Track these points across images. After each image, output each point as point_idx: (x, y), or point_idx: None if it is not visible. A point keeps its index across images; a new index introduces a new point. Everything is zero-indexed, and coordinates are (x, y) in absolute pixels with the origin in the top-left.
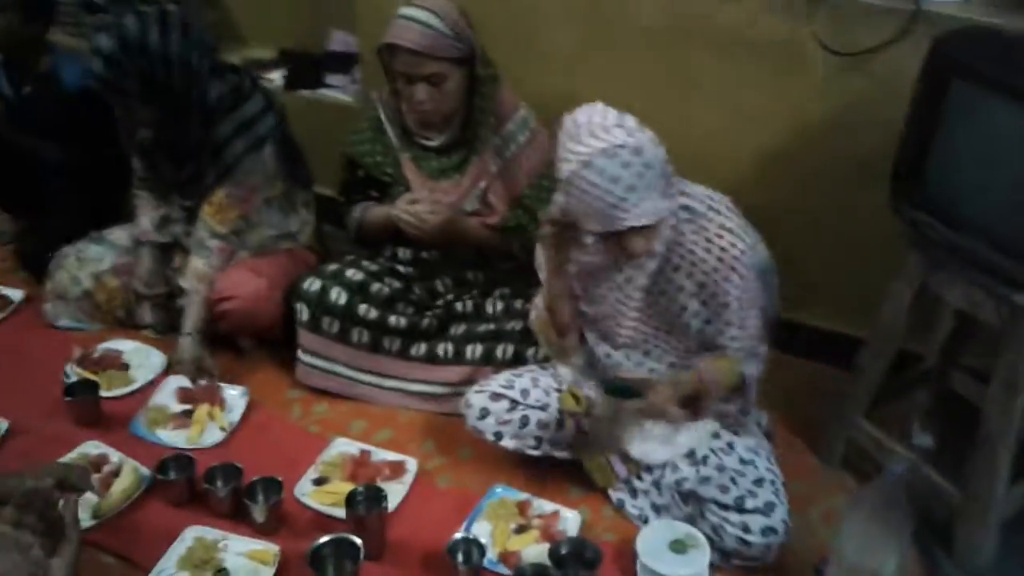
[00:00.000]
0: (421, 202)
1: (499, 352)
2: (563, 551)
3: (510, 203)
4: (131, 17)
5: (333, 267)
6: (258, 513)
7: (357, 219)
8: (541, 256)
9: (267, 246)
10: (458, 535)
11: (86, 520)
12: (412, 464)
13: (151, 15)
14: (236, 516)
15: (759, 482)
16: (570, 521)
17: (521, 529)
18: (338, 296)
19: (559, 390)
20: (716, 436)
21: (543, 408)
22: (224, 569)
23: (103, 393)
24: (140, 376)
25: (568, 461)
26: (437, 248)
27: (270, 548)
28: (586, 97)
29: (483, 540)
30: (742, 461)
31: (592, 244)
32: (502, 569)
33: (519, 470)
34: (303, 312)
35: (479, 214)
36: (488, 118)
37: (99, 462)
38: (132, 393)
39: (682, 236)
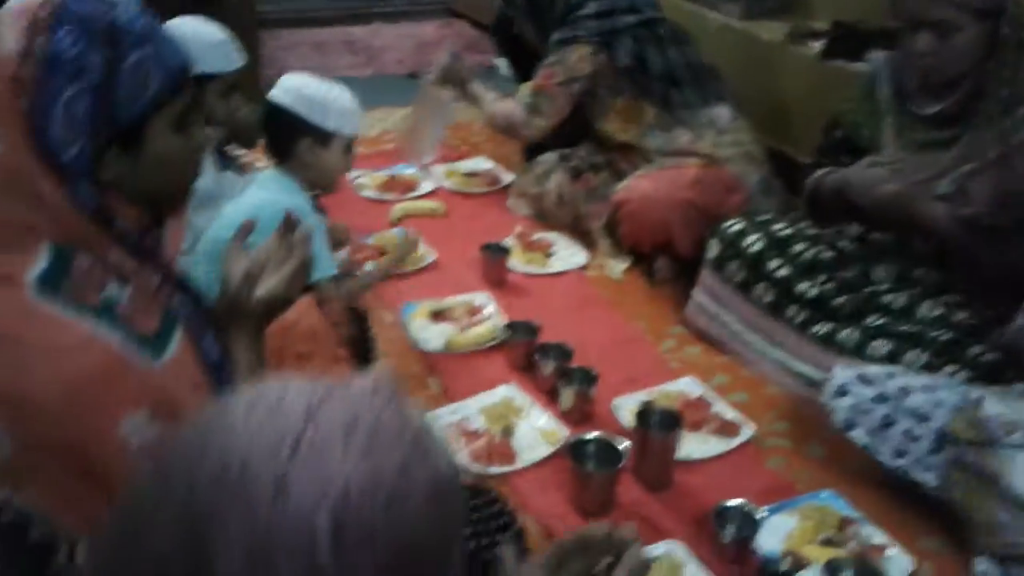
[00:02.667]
0: (881, 165)
1: (909, 357)
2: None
3: (999, 199)
4: None
5: (767, 216)
6: (565, 397)
7: (813, 183)
8: None
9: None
10: (735, 502)
11: (437, 345)
12: (747, 431)
13: None
14: (550, 394)
15: None
16: (895, 563)
17: (828, 543)
18: (753, 243)
19: None
20: None
21: (921, 419)
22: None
23: (514, 263)
24: (554, 265)
25: (937, 498)
26: (889, 230)
27: (560, 432)
28: None
29: (780, 533)
30: None
31: None
32: (780, 564)
33: (870, 491)
34: (712, 248)
35: (950, 200)
36: (1001, 91)
37: (475, 310)
38: (539, 275)
39: None
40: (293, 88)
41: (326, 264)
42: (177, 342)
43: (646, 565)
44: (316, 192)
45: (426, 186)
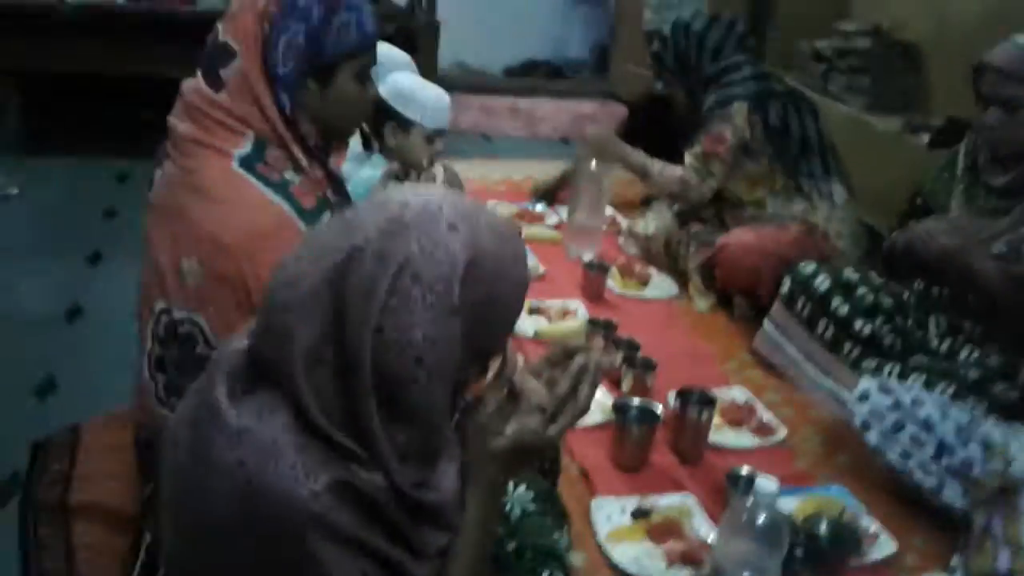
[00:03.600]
0: (941, 222)
1: (939, 388)
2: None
3: None
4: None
5: (840, 264)
6: (626, 380)
7: (889, 240)
8: None
9: (764, 220)
10: (745, 469)
11: (528, 332)
12: (780, 434)
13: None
14: (617, 380)
15: None
16: (881, 546)
17: None
18: (822, 283)
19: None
20: None
21: (927, 427)
22: None
23: (612, 284)
24: (647, 292)
25: (935, 504)
26: (947, 284)
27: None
28: None
29: (785, 508)
30: None
31: None
32: None
33: (880, 496)
34: (785, 284)
35: (1004, 260)
36: None
37: (568, 312)
38: (633, 298)
39: None
40: (391, 82)
41: None
42: (325, 219)
43: (599, 369)
44: (423, 167)
45: (551, 220)
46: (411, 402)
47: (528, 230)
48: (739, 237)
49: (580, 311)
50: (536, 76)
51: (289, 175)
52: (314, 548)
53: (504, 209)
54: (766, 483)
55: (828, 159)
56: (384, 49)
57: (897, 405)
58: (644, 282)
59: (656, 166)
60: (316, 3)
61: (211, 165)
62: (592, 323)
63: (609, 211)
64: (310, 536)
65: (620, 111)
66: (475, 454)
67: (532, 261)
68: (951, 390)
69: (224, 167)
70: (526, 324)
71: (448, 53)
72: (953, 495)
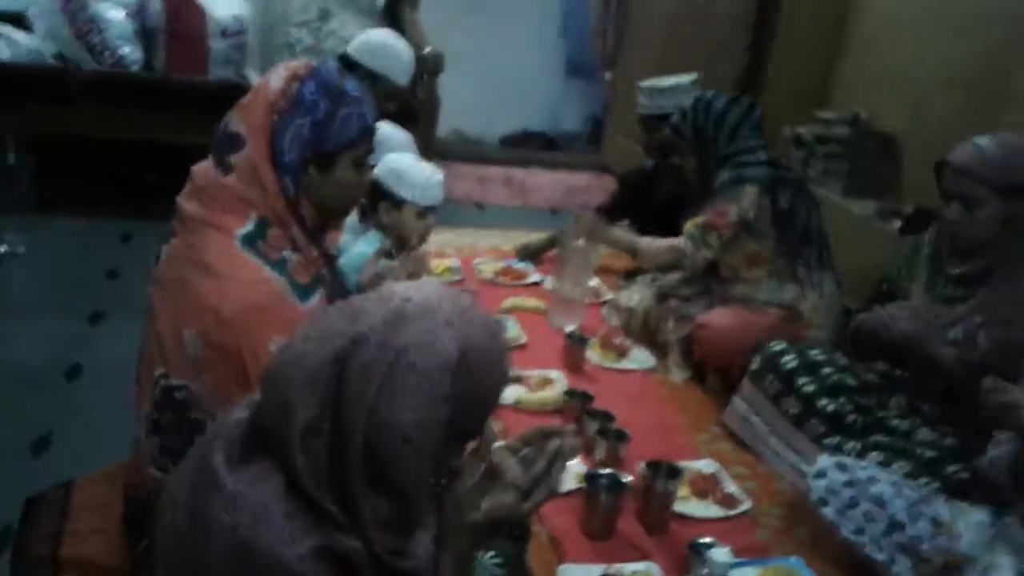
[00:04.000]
0: (902, 308)
1: (895, 466)
2: None
3: (1000, 349)
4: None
5: (808, 344)
6: (599, 449)
7: (855, 323)
8: None
9: (753, 301)
10: (706, 539)
11: (508, 400)
12: (744, 505)
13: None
14: (591, 449)
15: None
16: None
17: None
18: (789, 361)
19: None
20: None
21: (880, 504)
22: None
23: (591, 354)
24: (625, 363)
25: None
26: (907, 366)
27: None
28: None
29: None
30: None
31: None
32: None
33: (836, 568)
34: (755, 362)
35: (960, 347)
36: (1017, 260)
37: (548, 381)
38: (611, 369)
39: None
40: (385, 162)
41: None
42: (318, 296)
43: (573, 451)
44: (412, 245)
45: (534, 277)
46: (396, 477)
47: (513, 301)
48: (719, 318)
49: (560, 381)
50: (531, 147)
51: (287, 253)
52: None
53: (488, 266)
54: (720, 553)
55: (823, 251)
56: (386, 128)
57: (852, 482)
58: (623, 354)
59: (644, 241)
60: (322, 98)
61: (214, 242)
62: (569, 394)
63: (594, 282)
64: None
65: (611, 183)
66: (451, 526)
67: (516, 331)
68: (907, 468)
69: (226, 244)
70: (507, 392)
71: (447, 122)
72: (903, 570)
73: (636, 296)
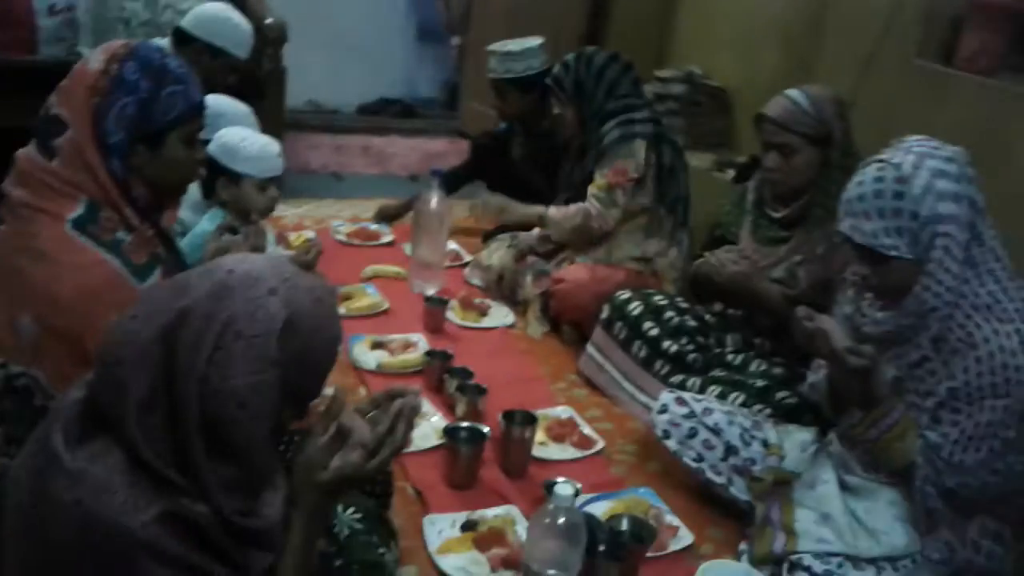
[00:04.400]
0: (731, 252)
1: (731, 397)
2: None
3: (818, 284)
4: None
5: (650, 291)
6: (459, 405)
7: (693, 268)
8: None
9: (618, 260)
10: (559, 479)
11: (371, 365)
12: (598, 445)
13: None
14: (452, 406)
15: None
16: (680, 538)
17: None
18: (634, 308)
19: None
20: None
21: (716, 432)
22: None
23: (452, 316)
24: (485, 322)
25: (725, 497)
26: (738, 306)
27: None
28: None
29: (597, 510)
30: None
31: None
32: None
33: (684, 496)
34: (604, 311)
35: (784, 283)
36: (829, 202)
37: (410, 345)
38: (471, 328)
39: None
40: (217, 138)
41: None
42: (156, 274)
43: (415, 409)
44: (252, 219)
45: (386, 238)
46: (234, 441)
47: (374, 268)
48: (574, 274)
49: (421, 343)
50: (389, 114)
51: (120, 234)
52: (145, 571)
53: (344, 228)
54: (564, 487)
55: (687, 207)
56: (222, 102)
57: (691, 415)
58: (483, 313)
59: (551, 210)
60: (143, 77)
61: (44, 228)
62: (430, 354)
63: (452, 246)
64: (141, 561)
65: (467, 148)
66: (301, 484)
67: (377, 297)
68: (742, 398)
69: (57, 229)
70: (369, 357)
71: (302, 94)
72: (739, 490)
73: (496, 255)
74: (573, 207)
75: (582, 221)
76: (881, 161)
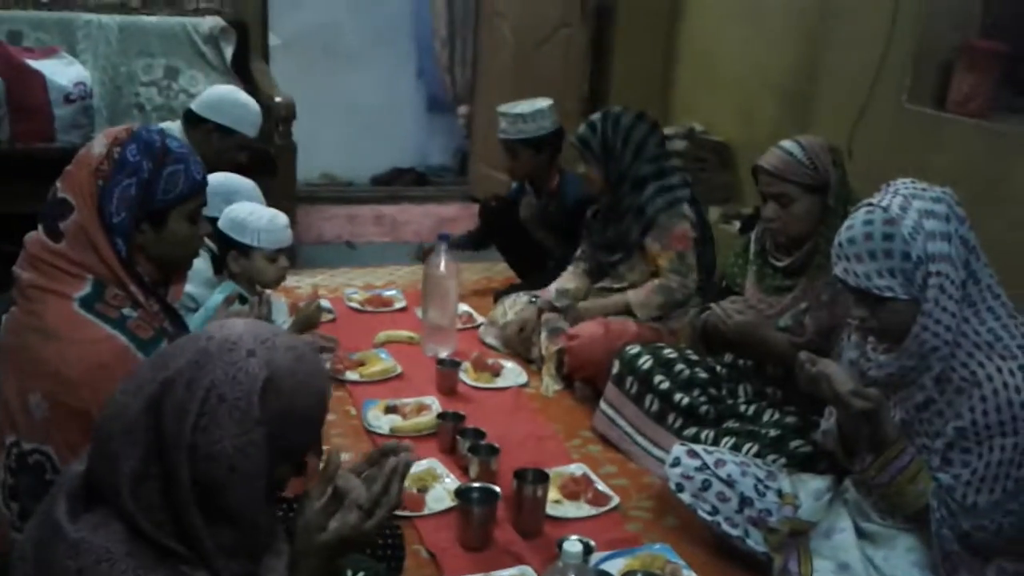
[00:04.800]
0: (736, 302)
1: (745, 449)
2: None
3: (824, 331)
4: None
5: (660, 344)
6: (472, 466)
7: (700, 320)
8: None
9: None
10: (574, 538)
11: (384, 429)
12: (613, 502)
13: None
14: (465, 468)
15: None
16: None
17: None
18: (644, 362)
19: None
20: None
21: (730, 485)
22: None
23: (462, 376)
24: (499, 382)
25: (743, 550)
26: (747, 355)
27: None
28: None
29: (614, 568)
30: None
31: None
32: None
33: (701, 550)
34: (615, 367)
35: (791, 331)
36: (831, 250)
37: (421, 407)
38: (484, 389)
39: None
40: (226, 213)
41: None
42: (163, 348)
43: (408, 466)
44: (257, 290)
45: (399, 304)
46: (229, 504)
47: (386, 334)
48: (588, 330)
49: (434, 406)
50: (402, 183)
51: (127, 311)
52: None
53: (357, 295)
54: (572, 544)
55: (712, 271)
56: (232, 179)
57: (704, 467)
58: (496, 373)
59: (630, 294)
60: (145, 158)
61: (53, 307)
62: (442, 416)
63: (464, 308)
64: None
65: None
66: (300, 548)
67: (391, 362)
68: (755, 449)
69: (65, 308)
70: (382, 421)
71: (316, 167)
72: (756, 542)
73: (509, 312)
74: (650, 286)
75: (667, 298)
76: (869, 205)
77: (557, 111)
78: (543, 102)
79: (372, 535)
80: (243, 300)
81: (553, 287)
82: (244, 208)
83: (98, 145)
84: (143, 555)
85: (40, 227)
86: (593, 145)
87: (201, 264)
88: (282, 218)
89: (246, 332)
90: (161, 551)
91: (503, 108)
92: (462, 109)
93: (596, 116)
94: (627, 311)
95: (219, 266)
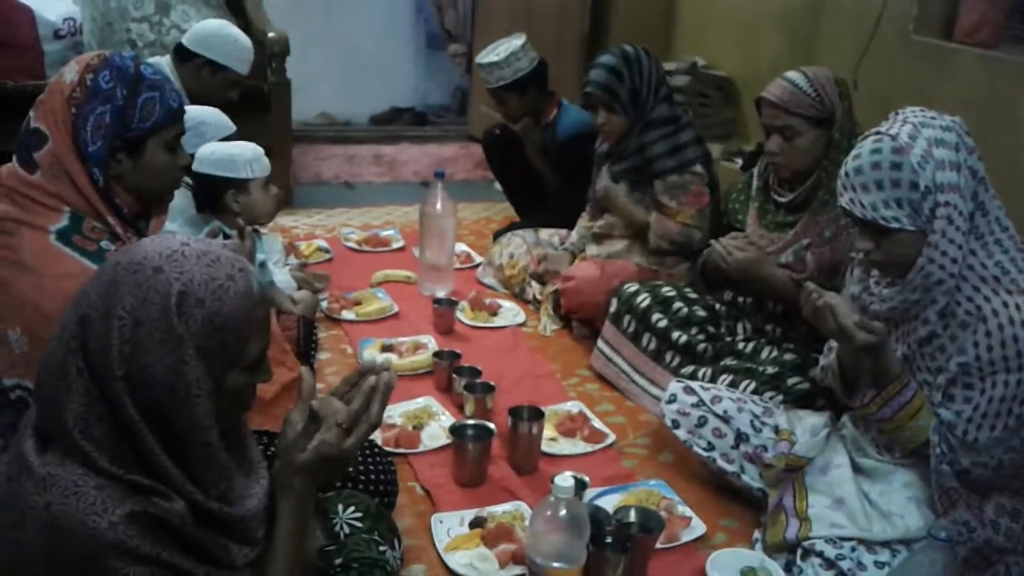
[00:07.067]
0: (738, 239)
1: (742, 385)
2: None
3: (825, 267)
4: (631, 48)
5: (658, 282)
6: (468, 404)
7: (702, 257)
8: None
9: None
10: (568, 473)
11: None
12: (609, 439)
13: (643, 51)
14: (461, 406)
15: None
16: (693, 528)
17: None
18: (642, 301)
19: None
20: None
21: (726, 421)
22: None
23: (459, 315)
24: (496, 321)
25: (738, 486)
26: (747, 291)
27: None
28: None
29: (608, 503)
30: None
31: None
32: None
33: (696, 486)
34: (612, 305)
35: (791, 267)
36: (833, 184)
37: (419, 346)
38: (481, 328)
39: None
40: (205, 157)
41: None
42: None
43: (389, 385)
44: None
45: (397, 244)
46: (180, 426)
47: (384, 273)
48: (583, 271)
49: (431, 345)
50: (401, 123)
51: (105, 244)
52: (115, 571)
53: (354, 235)
54: (563, 479)
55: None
56: (195, 110)
57: (700, 403)
58: (493, 313)
59: (653, 215)
60: (119, 85)
61: (29, 240)
62: (437, 355)
63: (462, 248)
64: (111, 561)
65: (478, 153)
66: (281, 469)
67: (387, 301)
68: (752, 386)
69: (41, 241)
70: (379, 360)
71: (313, 106)
72: (752, 478)
73: (507, 251)
74: (673, 223)
75: (686, 239)
76: (877, 133)
77: (532, 46)
78: (515, 42)
79: (353, 453)
80: (225, 237)
81: (575, 233)
82: (222, 146)
83: (70, 72)
84: (111, 488)
85: (14, 158)
86: (622, 95)
87: (183, 202)
88: (254, 145)
89: (151, 250)
90: (129, 485)
91: (478, 59)
92: (453, 48)
93: (614, 61)
94: (642, 231)
95: (200, 204)
